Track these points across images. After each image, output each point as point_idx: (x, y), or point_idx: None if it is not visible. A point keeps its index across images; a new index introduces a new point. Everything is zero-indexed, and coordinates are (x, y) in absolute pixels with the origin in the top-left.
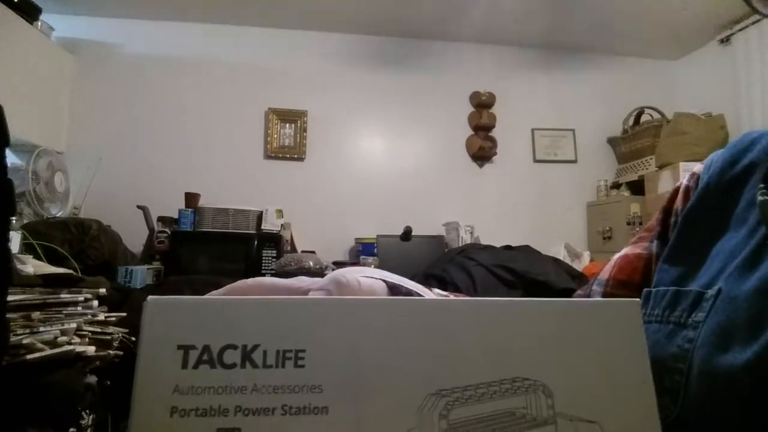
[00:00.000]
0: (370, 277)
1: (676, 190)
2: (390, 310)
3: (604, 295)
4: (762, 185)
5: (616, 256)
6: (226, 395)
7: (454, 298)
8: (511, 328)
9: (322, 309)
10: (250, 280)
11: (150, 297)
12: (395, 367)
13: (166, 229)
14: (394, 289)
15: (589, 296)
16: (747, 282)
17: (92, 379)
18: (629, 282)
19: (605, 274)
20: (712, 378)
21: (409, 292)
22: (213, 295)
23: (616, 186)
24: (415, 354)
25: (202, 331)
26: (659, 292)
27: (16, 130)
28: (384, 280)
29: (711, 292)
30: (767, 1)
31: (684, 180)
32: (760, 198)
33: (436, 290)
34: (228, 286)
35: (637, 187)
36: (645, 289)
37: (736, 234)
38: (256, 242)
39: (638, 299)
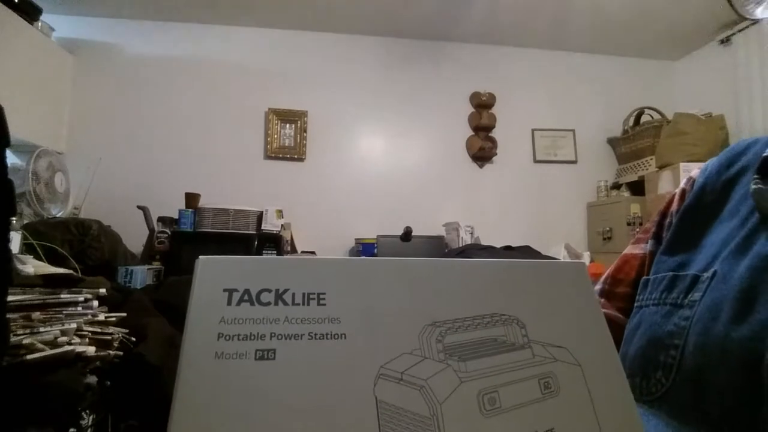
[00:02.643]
0: None
1: (673, 195)
2: (393, 265)
3: (602, 290)
4: (756, 176)
5: (618, 257)
6: (263, 324)
7: (444, 259)
8: (490, 277)
9: (339, 264)
10: None
11: (201, 257)
12: (399, 304)
13: (167, 230)
14: None
15: None
16: (741, 263)
17: (92, 379)
18: (625, 279)
19: (606, 273)
20: (707, 350)
21: None
22: None
23: (616, 186)
24: (414, 296)
25: (243, 279)
26: (657, 278)
27: (16, 130)
28: None
29: (707, 274)
30: (750, 4)
31: (681, 184)
32: (753, 186)
33: None
34: None
35: (638, 188)
36: (643, 278)
37: (728, 224)
38: (256, 242)
39: (583, 261)
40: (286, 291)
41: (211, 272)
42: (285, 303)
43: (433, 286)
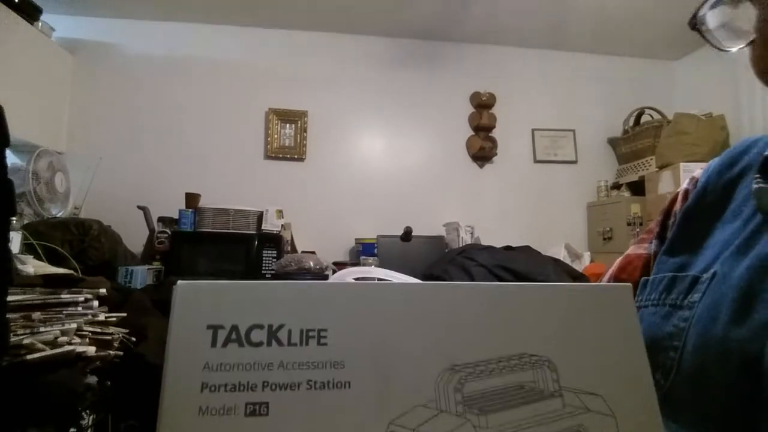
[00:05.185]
0: (371, 278)
1: (676, 194)
2: (407, 293)
3: None
4: (757, 175)
5: (620, 257)
6: (254, 371)
7: (468, 283)
8: (518, 309)
9: (343, 292)
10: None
11: (180, 281)
12: (412, 345)
13: (167, 230)
14: None
15: None
16: (741, 263)
17: (92, 379)
18: (628, 279)
19: (608, 274)
20: (705, 351)
21: None
22: None
23: (617, 186)
24: (431, 333)
25: (229, 313)
26: (656, 278)
27: (16, 130)
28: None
29: (706, 275)
30: (729, 37)
31: (684, 184)
32: (754, 186)
33: None
34: None
35: (638, 188)
36: (642, 278)
37: (730, 225)
38: (256, 242)
39: (629, 284)
40: (280, 327)
41: (193, 302)
42: (280, 343)
43: (454, 319)
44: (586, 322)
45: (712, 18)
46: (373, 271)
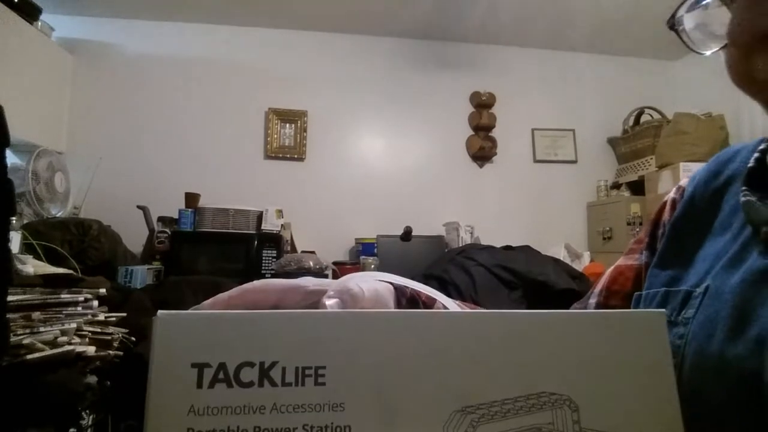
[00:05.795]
0: (380, 281)
1: (663, 204)
2: (414, 324)
3: (598, 304)
4: (744, 188)
5: (611, 268)
6: (245, 415)
7: (481, 311)
8: (538, 341)
9: (343, 324)
10: (255, 282)
11: (161, 312)
12: (420, 383)
13: (167, 230)
14: (399, 290)
15: (585, 309)
16: (733, 277)
17: (92, 379)
18: (620, 291)
19: (599, 285)
20: (703, 369)
21: (413, 295)
22: (219, 299)
23: (616, 186)
24: (441, 369)
25: (216, 348)
26: (649, 294)
27: (16, 130)
28: (390, 283)
29: (699, 290)
30: (707, 39)
31: (671, 193)
32: (742, 199)
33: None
34: (234, 289)
35: (638, 188)
36: (635, 293)
37: (721, 238)
38: (256, 242)
39: (663, 311)
40: (273, 365)
41: (175, 336)
42: (273, 383)
43: (466, 353)
44: (613, 354)
45: (689, 19)
46: (376, 275)
